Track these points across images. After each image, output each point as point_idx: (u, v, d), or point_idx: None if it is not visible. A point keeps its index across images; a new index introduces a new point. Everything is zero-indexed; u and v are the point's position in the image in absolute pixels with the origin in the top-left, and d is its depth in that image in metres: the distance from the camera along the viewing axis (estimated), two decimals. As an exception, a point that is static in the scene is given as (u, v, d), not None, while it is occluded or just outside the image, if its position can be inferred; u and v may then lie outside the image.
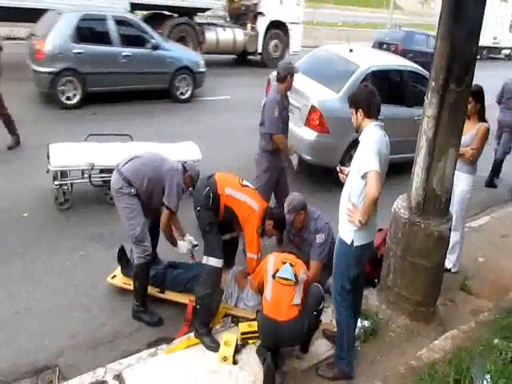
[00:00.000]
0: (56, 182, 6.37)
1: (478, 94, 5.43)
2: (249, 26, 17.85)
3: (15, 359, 4.14)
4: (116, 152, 6.62)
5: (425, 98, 4.51)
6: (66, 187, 6.49)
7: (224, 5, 17.86)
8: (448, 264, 5.67)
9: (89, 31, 11.03)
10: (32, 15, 11.84)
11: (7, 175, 7.20)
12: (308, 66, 8.72)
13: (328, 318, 4.58)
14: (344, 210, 3.85)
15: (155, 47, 11.63)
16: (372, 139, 3.66)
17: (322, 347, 4.41)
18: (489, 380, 3.91)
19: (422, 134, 4.51)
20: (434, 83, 4.35)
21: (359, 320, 4.46)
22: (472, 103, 5.34)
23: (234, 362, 4.15)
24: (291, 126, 7.94)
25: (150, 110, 11.20)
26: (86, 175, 6.55)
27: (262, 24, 17.88)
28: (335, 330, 4.22)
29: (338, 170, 4.22)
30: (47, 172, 6.39)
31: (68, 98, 10.63)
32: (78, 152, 6.60)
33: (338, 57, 8.54)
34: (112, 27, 11.11)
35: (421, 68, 8.63)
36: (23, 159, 7.71)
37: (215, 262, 4.40)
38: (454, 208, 5.45)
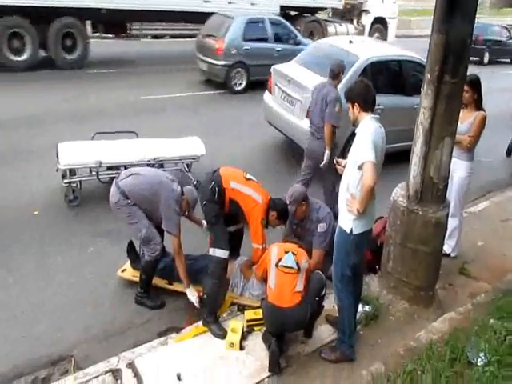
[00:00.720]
0: (65, 180, 6.56)
1: (475, 83, 5.48)
2: (355, 21, 21.77)
3: (32, 352, 4.33)
4: (122, 149, 6.80)
5: (421, 89, 4.63)
6: (74, 185, 6.68)
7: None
8: (447, 249, 5.81)
9: (252, 31, 13.70)
10: (199, 17, 15.54)
11: (16, 174, 7.38)
12: (309, 59, 8.88)
13: (330, 304, 4.73)
14: (343, 200, 4.00)
15: (297, 43, 14.33)
16: (368, 131, 3.81)
17: (324, 332, 4.57)
18: (483, 358, 4.07)
19: (419, 124, 4.63)
20: (429, 75, 4.46)
21: (360, 305, 4.61)
22: (469, 92, 5.42)
23: (241, 348, 4.32)
24: (292, 118, 8.11)
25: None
26: (93, 173, 6.71)
27: (367, 20, 21.81)
28: (337, 315, 4.37)
29: (335, 162, 4.38)
30: (56, 171, 6.55)
31: (236, 85, 13.48)
32: (86, 150, 6.77)
33: (338, 49, 8.60)
34: (268, 27, 14.08)
35: (419, 57, 8.70)
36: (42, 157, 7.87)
37: (221, 253, 4.57)
38: (453, 194, 5.58)
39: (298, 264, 4.21)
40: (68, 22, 14.10)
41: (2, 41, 13.06)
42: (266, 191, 4.88)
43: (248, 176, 4.87)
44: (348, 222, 3.96)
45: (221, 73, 13.21)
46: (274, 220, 4.86)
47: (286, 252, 4.30)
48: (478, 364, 4.06)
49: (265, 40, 13.93)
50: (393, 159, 6.94)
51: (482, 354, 4.10)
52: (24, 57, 13.56)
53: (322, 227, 5.08)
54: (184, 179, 6.80)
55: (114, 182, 4.87)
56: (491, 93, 9.87)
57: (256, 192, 4.73)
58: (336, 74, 6.55)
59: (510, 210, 7.38)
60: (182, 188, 4.92)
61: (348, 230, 3.97)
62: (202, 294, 4.68)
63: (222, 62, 13.09)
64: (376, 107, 7.59)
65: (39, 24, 13.53)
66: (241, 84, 13.56)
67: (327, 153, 6.39)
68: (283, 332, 4.28)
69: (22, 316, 4.74)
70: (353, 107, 3.96)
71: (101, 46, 16.55)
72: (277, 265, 4.23)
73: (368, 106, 3.93)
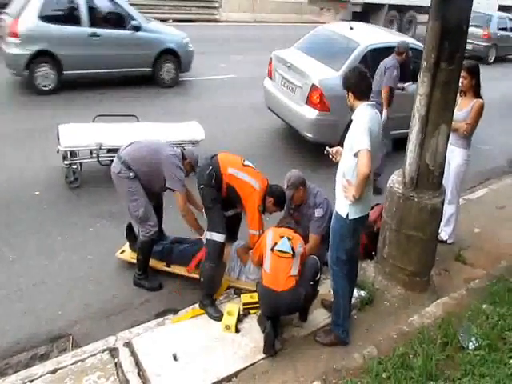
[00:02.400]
0: (66, 162, 6.61)
1: (474, 70, 5.48)
2: None
3: (32, 328, 4.43)
4: (123, 132, 6.84)
5: (418, 76, 4.66)
6: (75, 166, 6.73)
7: None
8: (444, 236, 5.88)
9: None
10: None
11: (18, 155, 7.43)
12: (309, 45, 8.86)
13: (326, 288, 4.78)
14: (339, 186, 4.05)
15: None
16: (364, 118, 3.84)
17: (319, 316, 4.64)
18: (474, 342, 4.14)
19: (415, 111, 4.67)
20: (425, 62, 4.49)
21: (356, 290, 4.69)
22: (468, 79, 5.45)
23: (237, 331, 4.39)
24: (293, 104, 8.12)
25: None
26: (94, 155, 6.76)
27: None
28: (333, 300, 4.44)
29: (326, 152, 4.43)
30: (57, 152, 6.60)
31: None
32: (87, 132, 6.81)
33: (339, 35, 8.63)
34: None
35: (419, 43, 8.70)
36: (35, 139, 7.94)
37: (218, 237, 4.63)
38: (450, 181, 5.63)
39: (293, 249, 4.27)
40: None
41: None
42: (263, 177, 4.92)
43: (246, 162, 4.91)
44: (344, 207, 4.01)
45: None
46: (270, 206, 4.91)
47: (282, 237, 4.36)
48: (470, 348, 4.13)
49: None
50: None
51: (473, 339, 4.17)
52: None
53: (318, 212, 5.13)
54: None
55: (117, 155, 4.93)
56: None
57: (253, 178, 4.77)
58: (400, 52, 7.51)
59: (508, 197, 7.43)
60: (182, 153, 5.01)
61: (344, 215, 4.02)
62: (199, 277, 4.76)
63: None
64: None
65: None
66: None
67: (385, 111, 7.13)
68: (278, 315, 4.34)
69: (23, 293, 4.83)
70: (348, 95, 4.01)
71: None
72: (272, 249, 4.28)
73: (361, 94, 3.95)
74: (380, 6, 20.93)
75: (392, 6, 21.07)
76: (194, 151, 5.18)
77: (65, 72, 10.15)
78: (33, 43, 9.71)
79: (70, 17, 10.17)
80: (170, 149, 4.94)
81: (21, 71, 9.91)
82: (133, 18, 10.89)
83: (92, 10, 10.38)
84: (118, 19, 10.87)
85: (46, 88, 10.07)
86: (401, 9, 21.58)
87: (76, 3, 10.15)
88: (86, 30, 10.20)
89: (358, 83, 3.94)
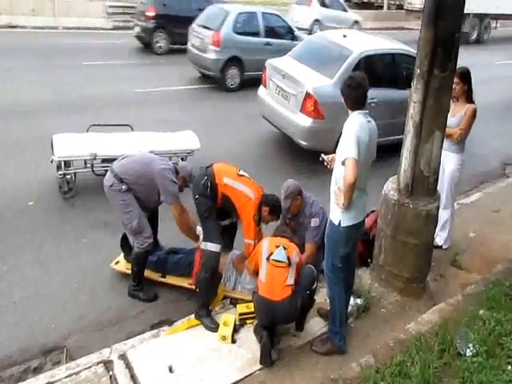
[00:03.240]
0: (60, 172, 6.58)
1: (466, 76, 5.50)
2: None
3: (26, 340, 4.38)
4: (117, 142, 6.83)
5: (411, 83, 4.66)
6: (69, 176, 6.71)
7: None
8: (439, 241, 5.87)
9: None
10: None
11: (13, 165, 7.39)
12: (302, 53, 8.89)
13: (323, 297, 4.76)
14: (332, 193, 4.06)
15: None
16: (353, 127, 3.84)
17: (316, 325, 4.62)
18: (472, 349, 4.12)
19: (409, 118, 4.67)
20: (419, 70, 4.50)
21: (352, 298, 4.67)
22: (460, 84, 5.46)
23: (233, 341, 4.36)
24: (287, 112, 8.13)
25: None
26: (88, 165, 6.73)
27: None
28: (329, 308, 4.41)
29: (321, 159, 4.45)
30: (51, 162, 6.56)
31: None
32: (81, 142, 6.79)
33: (332, 43, 8.63)
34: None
35: (413, 50, 8.72)
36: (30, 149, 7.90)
37: (213, 247, 4.61)
38: (444, 186, 5.63)
39: (288, 258, 4.25)
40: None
41: None
42: (259, 187, 4.91)
43: (241, 172, 4.90)
44: (337, 214, 4.02)
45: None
46: (266, 215, 4.89)
47: (277, 246, 4.34)
48: (467, 355, 4.11)
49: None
50: (385, 152, 7.00)
51: (470, 345, 4.15)
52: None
53: (314, 222, 5.12)
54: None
55: (109, 168, 4.91)
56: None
57: (248, 188, 4.76)
58: None
59: (502, 201, 7.42)
60: (175, 167, 5.00)
61: (336, 223, 4.03)
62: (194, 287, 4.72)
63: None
64: (370, 100, 7.68)
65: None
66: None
67: None
68: (274, 325, 4.32)
69: (16, 305, 4.78)
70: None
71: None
72: (268, 258, 4.26)
73: (352, 104, 3.96)
74: (466, 16, 24.10)
75: (475, 15, 25.94)
76: (188, 165, 5.16)
77: (245, 73, 12.89)
78: (228, 51, 12.58)
79: (251, 30, 13.21)
80: (163, 162, 4.92)
81: (217, 72, 12.59)
82: (292, 31, 14.10)
83: (266, 25, 13.52)
84: (283, 32, 14.01)
85: (233, 86, 12.89)
86: (481, 17, 26.80)
87: (256, 19, 13.33)
88: (262, 40, 13.24)
89: (348, 94, 3.95)
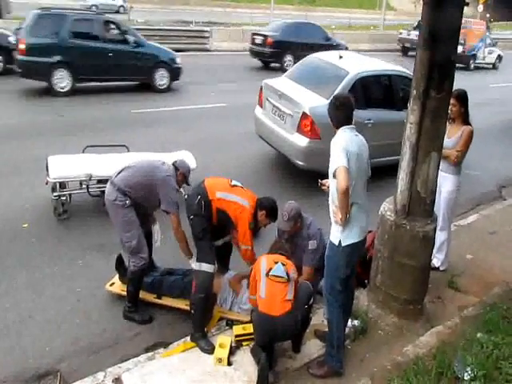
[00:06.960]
0: (55, 194, 6.54)
1: (462, 98, 5.52)
2: None
3: (19, 365, 4.31)
4: (113, 162, 6.79)
5: (408, 104, 4.68)
6: (64, 198, 6.67)
7: None
8: (436, 262, 5.85)
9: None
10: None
11: (7, 187, 7.37)
12: (299, 73, 8.93)
13: (320, 318, 4.74)
14: (331, 212, 4.05)
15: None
16: (339, 141, 3.88)
17: (313, 347, 4.57)
18: (470, 372, 4.08)
19: (406, 139, 4.67)
20: (415, 91, 4.51)
21: (349, 320, 4.64)
22: (456, 106, 5.48)
23: (229, 364, 4.30)
24: (283, 132, 8.15)
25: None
26: (84, 186, 6.71)
27: None
28: (326, 330, 4.38)
29: (319, 184, 4.46)
30: (46, 184, 6.55)
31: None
32: (76, 163, 6.78)
33: (328, 63, 8.67)
34: None
35: (409, 71, 8.78)
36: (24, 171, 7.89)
37: (208, 267, 4.59)
38: (441, 208, 5.62)
39: (287, 273, 4.25)
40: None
41: None
42: (252, 194, 4.92)
43: (233, 182, 4.91)
44: (336, 233, 4.01)
45: None
46: (263, 219, 4.89)
47: (276, 262, 4.33)
48: (465, 378, 4.06)
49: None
50: (382, 173, 7.00)
51: (468, 369, 4.11)
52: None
53: (312, 244, 5.08)
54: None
55: (109, 181, 4.88)
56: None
57: (242, 197, 4.76)
58: None
59: (499, 223, 7.43)
60: (173, 165, 5.00)
61: (336, 243, 4.01)
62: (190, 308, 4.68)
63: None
64: (366, 121, 7.74)
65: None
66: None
67: None
68: (274, 342, 4.28)
69: (10, 329, 4.72)
70: None
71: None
72: (267, 274, 4.25)
73: (338, 123, 4.00)
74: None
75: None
76: (186, 161, 5.21)
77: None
78: None
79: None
80: (165, 168, 4.89)
81: None
82: None
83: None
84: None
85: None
86: None
87: None
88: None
89: (333, 113, 4.00)
